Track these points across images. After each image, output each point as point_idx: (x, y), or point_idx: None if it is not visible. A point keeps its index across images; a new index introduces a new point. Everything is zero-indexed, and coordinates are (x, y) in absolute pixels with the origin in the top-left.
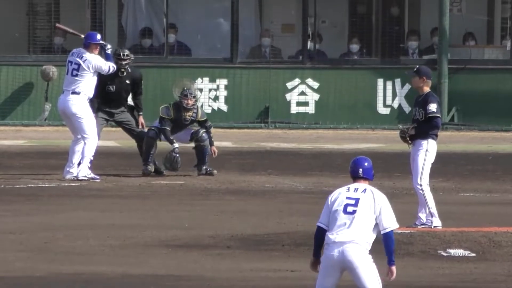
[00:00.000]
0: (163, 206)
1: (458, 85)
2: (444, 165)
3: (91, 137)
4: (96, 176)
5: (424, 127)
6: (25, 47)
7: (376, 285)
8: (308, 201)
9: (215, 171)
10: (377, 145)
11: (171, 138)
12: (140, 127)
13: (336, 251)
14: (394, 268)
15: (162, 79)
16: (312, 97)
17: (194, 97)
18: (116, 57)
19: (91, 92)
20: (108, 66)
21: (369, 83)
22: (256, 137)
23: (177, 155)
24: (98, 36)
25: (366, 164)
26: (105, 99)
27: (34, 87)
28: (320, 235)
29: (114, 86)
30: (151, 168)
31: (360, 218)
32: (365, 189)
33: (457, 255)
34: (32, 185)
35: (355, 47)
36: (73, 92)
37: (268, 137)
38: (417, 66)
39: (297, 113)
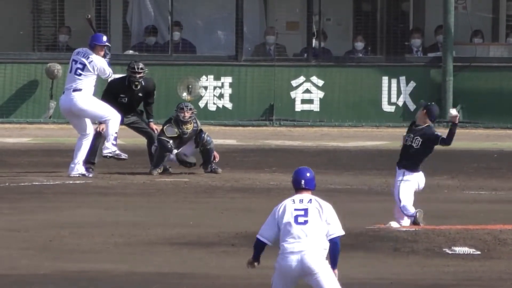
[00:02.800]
0: (167, 204)
1: (463, 83)
2: (449, 162)
3: (110, 116)
4: (122, 154)
5: (420, 155)
6: (30, 45)
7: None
8: None
9: (219, 170)
10: (382, 142)
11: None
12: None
13: (294, 260)
14: (335, 271)
15: (167, 77)
16: (317, 95)
17: (191, 109)
18: (130, 70)
19: (91, 92)
20: (109, 72)
21: (374, 81)
22: (261, 134)
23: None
24: (104, 38)
25: (308, 174)
26: (116, 109)
27: (39, 85)
28: (260, 247)
29: (126, 99)
30: (159, 171)
31: (313, 227)
32: (310, 200)
33: (462, 253)
34: (37, 183)
35: (359, 44)
36: (75, 90)
37: (272, 135)
38: (430, 104)
39: (302, 110)
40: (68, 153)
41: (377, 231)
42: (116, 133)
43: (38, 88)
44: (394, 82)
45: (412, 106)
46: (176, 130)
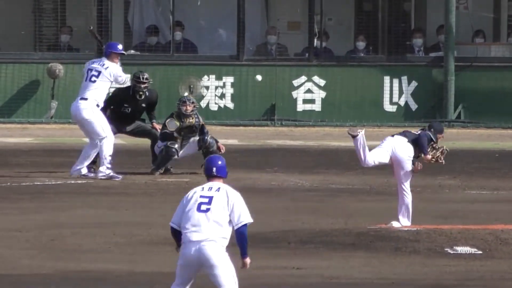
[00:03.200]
0: (169, 204)
1: (464, 83)
2: (450, 162)
3: (106, 136)
4: (117, 175)
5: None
6: (32, 45)
7: (232, 284)
8: (314, 199)
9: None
10: None
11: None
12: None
13: (193, 250)
14: (247, 260)
15: (168, 77)
16: (319, 95)
17: (193, 103)
18: (135, 80)
19: (101, 100)
20: (125, 78)
21: (376, 81)
22: (262, 134)
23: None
24: (120, 46)
25: (219, 162)
26: (119, 118)
27: (40, 85)
28: (176, 234)
29: (130, 109)
30: (161, 171)
31: (214, 215)
32: (219, 188)
33: (463, 252)
34: (39, 183)
35: (361, 44)
36: (82, 98)
37: (274, 135)
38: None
39: (303, 110)
40: (70, 153)
41: (378, 231)
42: (110, 156)
43: (40, 88)
44: (395, 82)
45: (413, 106)
46: (177, 123)
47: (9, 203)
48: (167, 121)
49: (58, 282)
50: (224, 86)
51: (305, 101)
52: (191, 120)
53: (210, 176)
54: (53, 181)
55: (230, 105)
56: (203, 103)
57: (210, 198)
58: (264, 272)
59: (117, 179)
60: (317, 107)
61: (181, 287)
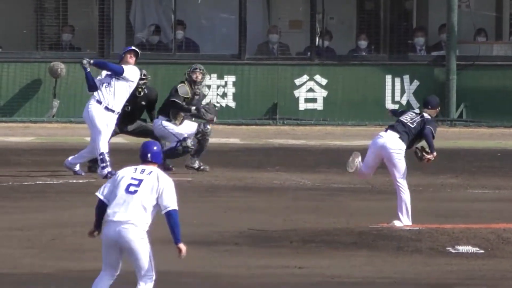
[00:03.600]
0: None
1: (466, 82)
2: (452, 161)
3: (95, 144)
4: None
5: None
6: (33, 44)
7: (149, 268)
8: (316, 198)
9: (207, 168)
10: None
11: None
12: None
13: (113, 230)
14: (181, 245)
15: (170, 76)
16: (320, 94)
17: (203, 72)
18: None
19: (110, 102)
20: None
21: (378, 80)
22: (264, 133)
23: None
24: (133, 47)
25: (155, 148)
26: (120, 117)
27: (42, 84)
28: (100, 207)
29: (129, 107)
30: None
31: (139, 198)
32: (151, 171)
33: (465, 251)
34: (40, 182)
35: (363, 43)
36: (92, 97)
37: (276, 134)
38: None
39: (305, 109)
40: (72, 152)
41: (380, 230)
42: (101, 154)
43: (42, 87)
44: (397, 81)
45: (415, 105)
46: (188, 90)
47: (10, 202)
48: (178, 86)
49: (59, 281)
50: (226, 85)
51: (307, 100)
52: (198, 92)
53: (144, 161)
54: (55, 180)
55: (232, 104)
56: (204, 102)
57: (140, 181)
58: (265, 271)
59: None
60: (319, 106)
61: (108, 272)
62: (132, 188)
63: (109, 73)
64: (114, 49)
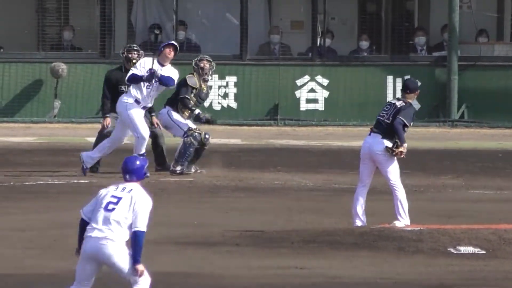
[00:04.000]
0: (172, 203)
1: (468, 82)
2: (453, 162)
3: (138, 144)
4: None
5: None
6: (35, 44)
7: (128, 270)
8: (317, 199)
9: (192, 171)
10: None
11: (191, 107)
12: (155, 125)
13: (90, 246)
14: (138, 266)
15: None
16: (322, 94)
17: (210, 61)
18: (126, 50)
19: (141, 97)
20: (131, 73)
21: (379, 80)
22: (266, 134)
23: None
24: (173, 41)
25: (137, 163)
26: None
27: (43, 84)
28: (83, 225)
29: (126, 87)
30: (193, 169)
31: (117, 216)
32: (131, 189)
33: (467, 252)
34: (42, 182)
35: (364, 44)
36: (129, 95)
37: (277, 134)
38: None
39: (307, 110)
40: (73, 152)
41: (381, 230)
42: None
43: (43, 87)
44: (399, 81)
45: (416, 105)
46: (196, 80)
47: (12, 203)
48: (187, 76)
49: (61, 282)
50: (227, 85)
51: (308, 101)
52: (204, 86)
53: (125, 179)
54: (56, 180)
55: (233, 105)
56: (206, 103)
57: (119, 199)
58: (267, 271)
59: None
60: (320, 106)
61: (80, 285)
62: (110, 206)
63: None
64: (115, 50)
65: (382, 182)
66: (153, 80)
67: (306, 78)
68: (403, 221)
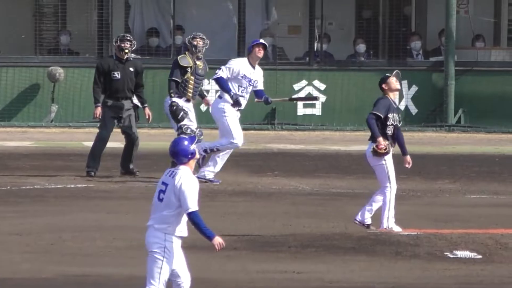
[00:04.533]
0: None
1: (465, 87)
2: (450, 166)
3: (234, 138)
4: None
5: (401, 133)
6: (32, 48)
7: (155, 273)
8: (315, 203)
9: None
10: None
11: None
12: (147, 118)
13: (146, 236)
14: (214, 240)
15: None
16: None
17: (203, 38)
18: (119, 39)
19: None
20: (216, 72)
21: (376, 85)
22: (263, 138)
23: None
24: (261, 40)
25: (176, 148)
26: (112, 89)
27: (40, 88)
28: None
29: (119, 73)
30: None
31: (165, 202)
32: (175, 173)
33: (463, 257)
34: (38, 186)
35: (361, 47)
36: (219, 96)
37: (274, 139)
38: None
39: (304, 114)
40: (70, 157)
41: (379, 235)
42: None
43: (40, 91)
44: None
45: (414, 110)
46: (189, 59)
47: (9, 207)
48: (179, 57)
49: (58, 286)
50: None
51: (306, 105)
52: (201, 63)
53: (172, 162)
54: (53, 185)
55: None
56: (203, 107)
57: (166, 185)
58: (264, 276)
59: (216, 183)
60: (317, 111)
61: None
62: (161, 195)
63: (245, 75)
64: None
65: (380, 186)
66: (248, 84)
67: (304, 82)
68: (383, 225)
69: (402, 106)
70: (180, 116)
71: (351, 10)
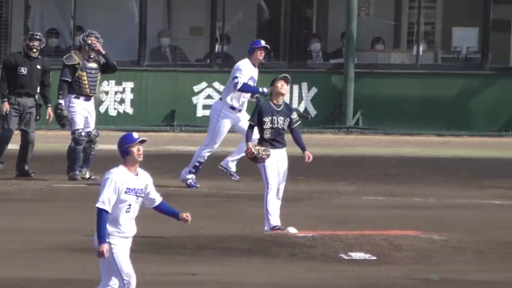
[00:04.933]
0: (64, 209)
1: (364, 89)
2: (348, 168)
3: (206, 145)
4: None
5: (297, 133)
6: None
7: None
8: (212, 205)
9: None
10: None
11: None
12: (47, 117)
13: None
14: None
15: None
16: None
17: (98, 37)
18: (28, 38)
19: (229, 98)
20: (235, 81)
21: None
22: (162, 140)
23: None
24: (263, 42)
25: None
26: (17, 84)
27: None
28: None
29: (26, 69)
30: (83, 174)
31: None
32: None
33: (358, 258)
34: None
35: None
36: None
37: (174, 141)
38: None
39: (203, 116)
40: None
41: (274, 236)
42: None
43: None
44: (295, 88)
45: (313, 112)
46: (76, 57)
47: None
48: (64, 57)
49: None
50: (124, 91)
51: (205, 107)
52: (93, 56)
53: None
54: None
55: (130, 111)
56: (102, 109)
57: None
58: (160, 278)
59: (194, 188)
60: None
61: None
62: None
63: (252, 76)
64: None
65: (286, 189)
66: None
67: (204, 84)
68: (266, 227)
69: (301, 108)
70: (62, 122)
71: (253, 12)
